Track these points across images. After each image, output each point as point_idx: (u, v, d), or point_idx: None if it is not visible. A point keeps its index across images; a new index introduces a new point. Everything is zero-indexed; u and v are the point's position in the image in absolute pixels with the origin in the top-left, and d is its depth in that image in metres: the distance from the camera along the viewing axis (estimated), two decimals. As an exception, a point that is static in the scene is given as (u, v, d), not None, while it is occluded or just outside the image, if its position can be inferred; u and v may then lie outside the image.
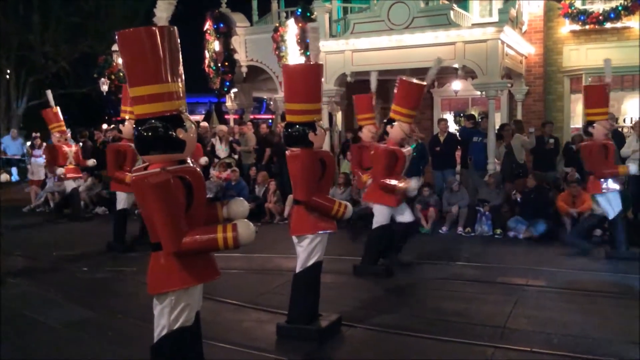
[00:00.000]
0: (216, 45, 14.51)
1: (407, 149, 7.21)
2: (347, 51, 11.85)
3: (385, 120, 7.18)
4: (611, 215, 7.83)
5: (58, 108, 11.23)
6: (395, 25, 11.30)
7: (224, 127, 13.70)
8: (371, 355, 4.82)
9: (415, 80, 6.96)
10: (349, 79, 12.04)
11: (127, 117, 8.69)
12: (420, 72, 12.12)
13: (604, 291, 6.45)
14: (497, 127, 11.61)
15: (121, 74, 15.67)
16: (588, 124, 7.85)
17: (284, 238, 6.88)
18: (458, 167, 11.79)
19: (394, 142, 6.95)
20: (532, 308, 5.82)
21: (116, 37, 3.31)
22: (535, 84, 13.56)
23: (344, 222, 9.05)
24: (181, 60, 3.36)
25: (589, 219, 8.48)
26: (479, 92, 11.89)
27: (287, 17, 14.08)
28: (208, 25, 14.70)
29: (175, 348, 3.39)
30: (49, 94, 11.21)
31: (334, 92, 12.16)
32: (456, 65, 11.01)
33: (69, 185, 11.65)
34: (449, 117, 14.94)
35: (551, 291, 6.45)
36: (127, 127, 8.65)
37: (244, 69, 14.91)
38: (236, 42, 14.69)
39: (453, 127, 13.91)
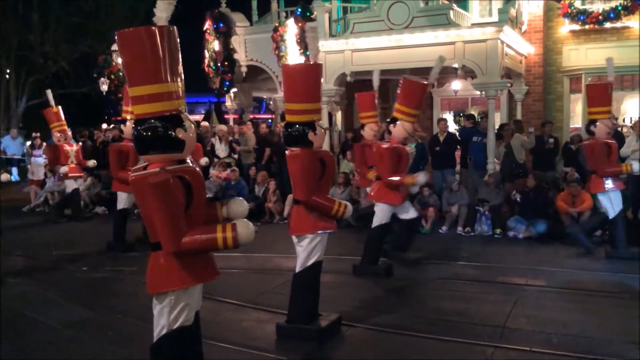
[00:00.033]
0: (216, 45, 14.51)
1: (410, 147, 7.25)
2: (347, 51, 11.86)
3: (388, 120, 7.21)
4: (611, 214, 7.83)
5: (59, 107, 11.23)
6: (394, 25, 11.31)
7: (223, 127, 13.71)
8: (371, 355, 4.83)
9: (416, 79, 6.98)
10: (348, 78, 12.05)
11: (128, 117, 8.69)
12: (420, 71, 12.13)
13: (604, 291, 6.45)
14: (496, 126, 11.62)
15: (121, 74, 15.66)
16: (590, 122, 7.85)
17: (284, 238, 6.88)
18: (458, 167, 11.79)
19: (396, 141, 7.00)
20: (532, 308, 5.82)
21: (116, 37, 3.31)
22: (535, 84, 13.57)
23: (344, 222, 9.13)
24: (181, 60, 3.36)
25: (594, 218, 8.50)
26: (478, 92, 11.90)
27: (286, 17, 14.08)
28: (208, 25, 14.71)
29: (175, 348, 3.38)
30: (49, 93, 11.20)
31: (333, 92, 12.16)
32: (456, 65, 11.01)
33: (70, 185, 11.65)
34: (449, 116, 14.94)
35: (551, 291, 6.45)
36: (129, 127, 8.65)
37: (244, 69, 14.91)
38: (236, 41, 14.70)
39: (453, 127, 13.91)
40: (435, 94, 14.96)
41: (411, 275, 7.18)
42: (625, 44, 12.04)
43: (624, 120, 12.88)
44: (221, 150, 12.86)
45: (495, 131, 11.22)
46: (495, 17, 11.98)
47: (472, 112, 14.09)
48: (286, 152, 5.03)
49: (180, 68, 3.36)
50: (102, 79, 16.65)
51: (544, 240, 8.94)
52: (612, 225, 7.93)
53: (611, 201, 7.78)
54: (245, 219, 3.40)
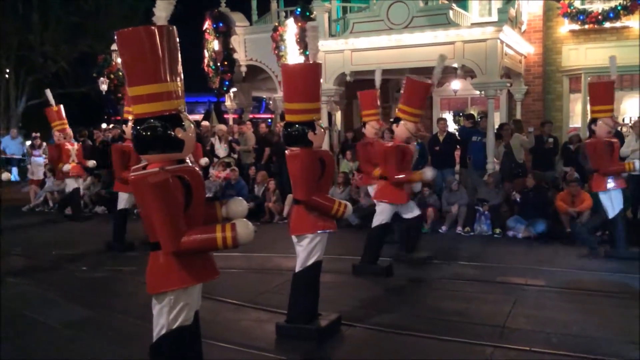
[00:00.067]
0: (215, 45, 14.50)
1: (414, 146, 7.32)
2: (347, 51, 11.85)
3: (391, 120, 7.24)
4: (611, 214, 7.83)
5: (61, 106, 11.25)
6: (394, 24, 11.30)
7: (223, 127, 13.70)
8: (371, 355, 4.83)
9: (419, 78, 7.00)
10: (348, 78, 12.04)
11: (130, 117, 8.68)
12: (420, 71, 12.14)
13: (603, 290, 6.45)
14: (496, 126, 11.61)
15: (120, 74, 15.66)
16: (592, 121, 7.85)
17: (284, 237, 6.88)
18: (457, 167, 11.79)
19: (399, 141, 7.03)
20: (532, 307, 5.83)
21: (115, 36, 3.31)
22: (535, 84, 13.57)
23: (344, 221, 9.12)
24: (180, 59, 3.36)
25: (595, 218, 8.51)
26: (478, 92, 11.89)
27: (286, 17, 14.08)
28: (207, 24, 14.70)
29: (175, 347, 3.39)
30: (48, 93, 11.21)
31: (333, 92, 12.16)
32: (455, 65, 11.01)
33: (70, 184, 11.66)
34: (448, 116, 14.94)
35: (550, 290, 6.45)
36: (130, 128, 8.63)
37: (243, 69, 14.91)
38: (235, 41, 14.69)
39: (452, 127, 13.91)
40: (435, 93, 14.94)
41: (411, 275, 7.19)
42: (624, 44, 12.04)
43: (623, 120, 12.88)
44: (221, 150, 12.86)
45: (495, 131, 11.22)
46: (494, 17, 11.97)
47: (472, 112, 14.09)
48: (286, 151, 5.03)
49: (180, 68, 3.36)
50: (101, 78, 16.66)
51: (543, 240, 8.95)
52: (612, 225, 7.93)
53: (612, 200, 7.78)
54: (244, 219, 3.40)
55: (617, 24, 12.25)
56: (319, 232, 4.97)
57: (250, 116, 18.50)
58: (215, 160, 12.51)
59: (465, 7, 13.16)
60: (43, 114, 11.47)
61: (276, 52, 13.60)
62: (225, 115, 17.35)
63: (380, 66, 9.15)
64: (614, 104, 7.95)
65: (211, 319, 5.23)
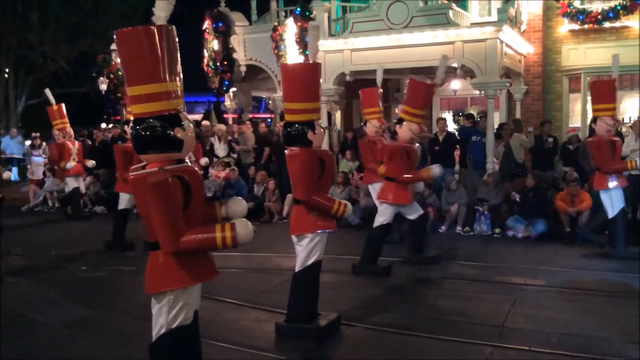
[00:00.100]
0: (215, 44, 14.50)
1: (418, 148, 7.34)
2: (346, 50, 11.85)
3: (395, 120, 7.24)
4: (611, 213, 7.83)
5: (62, 105, 11.27)
6: (394, 24, 11.30)
7: (222, 126, 13.70)
8: (370, 355, 4.83)
9: (420, 78, 7.01)
10: (347, 78, 12.04)
11: (132, 117, 8.64)
12: (420, 71, 12.13)
13: (603, 290, 6.45)
14: (495, 126, 11.62)
15: (120, 73, 15.65)
16: (594, 120, 7.85)
17: (283, 237, 6.88)
18: (457, 167, 11.79)
19: (403, 142, 7.03)
20: (531, 307, 5.82)
21: (114, 36, 3.31)
22: (534, 83, 13.58)
23: (344, 221, 9.12)
24: (179, 59, 3.36)
25: (596, 218, 8.54)
26: (477, 92, 11.89)
27: (286, 16, 14.08)
28: (207, 24, 14.70)
29: (174, 347, 3.38)
30: (48, 92, 11.23)
31: (332, 92, 12.16)
32: (455, 65, 11.01)
33: (70, 183, 11.66)
34: (448, 116, 14.95)
35: (550, 290, 6.45)
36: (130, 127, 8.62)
37: (243, 68, 14.91)
38: (235, 41, 14.69)
39: (452, 127, 13.91)
40: (434, 93, 14.94)
41: (410, 275, 7.19)
42: (624, 44, 12.04)
43: (622, 120, 12.88)
44: (220, 149, 12.85)
45: (495, 131, 11.22)
46: (494, 17, 11.97)
47: (471, 112, 14.08)
48: (285, 151, 5.03)
49: (179, 67, 3.36)
50: (101, 78, 16.64)
51: (543, 240, 8.95)
52: (612, 225, 7.93)
53: (612, 200, 7.78)
54: (244, 219, 3.40)
55: (617, 24, 12.26)
56: (318, 231, 4.97)
57: (250, 116, 18.50)
58: (215, 160, 12.51)
59: (464, 6, 13.16)
60: (42, 114, 11.49)
61: (276, 51, 13.60)
62: (225, 115, 17.34)
63: (380, 66, 9.15)
64: (616, 102, 7.95)
65: (211, 318, 5.23)
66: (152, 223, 3.24)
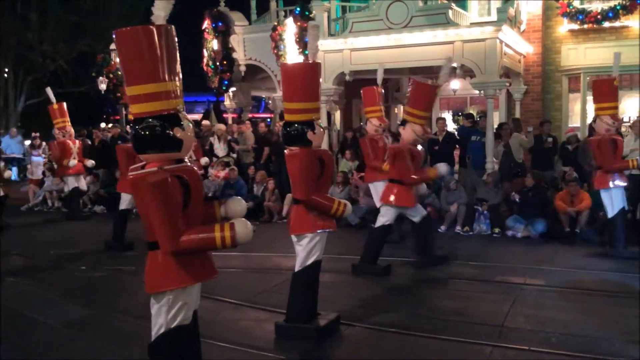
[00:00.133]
0: (215, 44, 14.50)
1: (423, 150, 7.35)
2: (346, 50, 11.85)
3: (399, 122, 7.24)
4: (610, 213, 7.84)
5: (64, 104, 11.27)
6: (393, 24, 11.30)
7: (222, 126, 13.70)
8: (370, 354, 4.82)
9: (420, 77, 7.01)
10: (347, 78, 12.04)
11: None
12: (419, 71, 12.17)
13: (603, 290, 6.45)
14: (495, 126, 11.62)
15: (119, 73, 15.63)
16: (595, 119, 7.85)
17: (283, 237, 6.88)
18: (456, 166, 11.79)
19: (406, 143, 7.03)
20: (531, 307, 5.83)
21: (114, 35, 3.31)
22: (534, 83, 13.58)
23: (344, 221, 9.13)
24: (179, 58, 3.36)
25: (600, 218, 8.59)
26: (477, 91, 11.91)
27: (285, 16, 14.08)
28: (206, 23, 14.69)
29: (173, 347, 3.38)
30: (49, 91, 11.25)
31: (332, 91, 12.16)
32: (454, 64, 11.00)
33: (71, 183, 11.66)
34: (448, 116, 14.95)
35: (549, 290, 6.46)
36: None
37: (243, 68, 14.90)
38: (235, 40, 14.69)
39: (451, 126, 13.91)
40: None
41: (410, 275, 7.19)
42: (624, 43, 12.04)
43: (622, 120, 12.88)
44: (220, 149, 12.85)
45: (494, 130, 11.23)
46: (494, 17, 11.96)
47: (471, 112, 14.10)
48: (285, 151, 5.03)
49: (178, 67, 3.36)
50: (100, 78, 16.64)
51: (542, 240, 8.95)
52: (612, 225, 7.93)
53: (612, 199, 7.78)
54: (243, 218, 3.40)
55: (616, 24, 12.26)
56: (318, 231, 4.97)
57: (250, 115, 18.50)
58: (215, 159, 12.51)
59: (464, 6, 13.16)
60: (42, 113, 11.51)
61: (275, 51, 13.59)
62: (225, 115, 17.35)
63: (380, 65, 9.16)
64: (618, 101, 7.95)
65: (210, 318, 5.23)
66: (152, 223, 3.24)
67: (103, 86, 16.51)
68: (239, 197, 3.72)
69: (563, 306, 5.84)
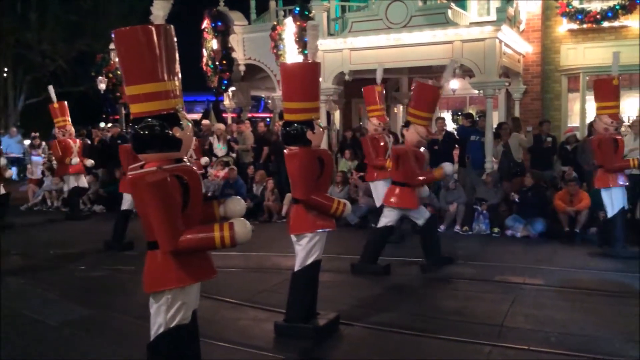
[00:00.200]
0: (214, 44, 14.51)
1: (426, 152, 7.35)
2: (345, 50, 11.84)
3: (403, 124, 7.24)
4: (610, 212, 7.84)
5: (65, 103, 11.27)
6: (393, 24, 11.30)
7: (221, 126, 13.71)
8: (369, 354, 4.82)
9: (422, 77, 7.02)
10: (347, 77, 12.04)
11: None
12: (419, 70, 12.17)
13: (602, 290, 6.45)
14: (494, 125, 11.62)
15: (119, 72, 15.65)
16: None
17: (282, 236, 6.88)
18: (456, 166, 11.78)
19: (410, 145, 7.02)
20: (530, 306, 5.83)
21: (113, 35, 3.31)
22: (533, 83, 13.58)
23: (343, 220, 9.13)
24: (178, 58, 3.36)
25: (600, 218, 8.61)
26: (476, 91, 11.91)
27: (285, 16, 14.09)
28: (206, 23, 14.70)
29: (172, 346, 3.38)
30: (51, 89, 11.27)
31: (332, 91, 12.15)
32: (456, 64, 11.00)
33: (71, 182, 11.65)
34: (447, 115, 14.95)
35: (549, 289, 6.46)
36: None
37: (242, 68, 14.91)
38: (234, 40, 14.69)
39: (451, 126, 13.91)
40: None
41: (409, 274, 7.19)
42: (623, 43, 12.03)
43: (622, 120, 12.87)
44: (219, 149, 12.85)
45: (493, 130, 11.23)
46: (493, 16, 11.96)
47: (470, 111, 14.10)
48: (284, 151, 5.03)
49: (177, 67, 3.36)
50: (100, 77, 16.65)
51: (541, 239, 8.96)
52: (611, 224, 7.93)
53: (612, 198, 7.78)
54: (242, 218, 3.40)
55: (616, 24, 12.25)
56: (318, 231, 4.97)
57: (249, 115, 18.51)
58: (214, 159, 12.51)
59: (463, 6, 13.15)
60: (41, 113, 11.54)
61: (275, 51, 13.60)
62: (224, 115, 17.35)
63: (380, 65, 9.16)
64: (619, 100, 7.96)
65: (209, 318, 5.24)
66: (151, 222, 3.24)
67: (102, 86, 16.52)
68: (238, 197, 3.72)
69: (562, 306, 5.85)
